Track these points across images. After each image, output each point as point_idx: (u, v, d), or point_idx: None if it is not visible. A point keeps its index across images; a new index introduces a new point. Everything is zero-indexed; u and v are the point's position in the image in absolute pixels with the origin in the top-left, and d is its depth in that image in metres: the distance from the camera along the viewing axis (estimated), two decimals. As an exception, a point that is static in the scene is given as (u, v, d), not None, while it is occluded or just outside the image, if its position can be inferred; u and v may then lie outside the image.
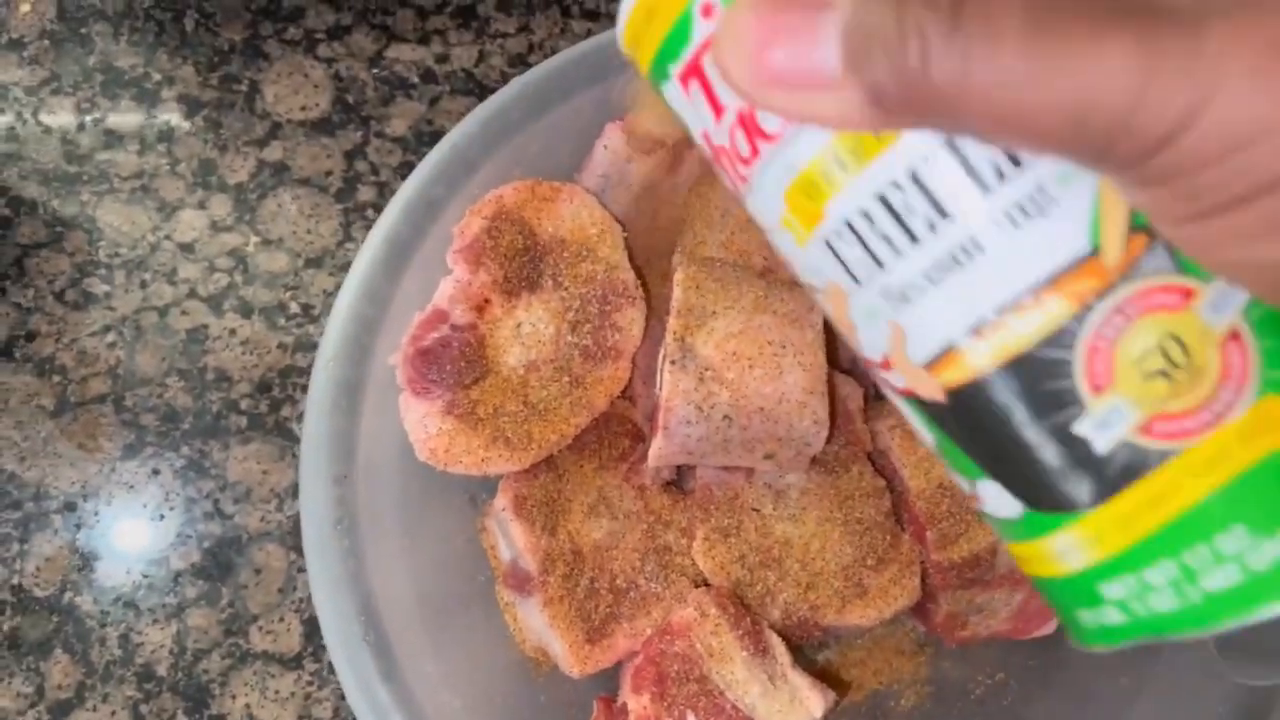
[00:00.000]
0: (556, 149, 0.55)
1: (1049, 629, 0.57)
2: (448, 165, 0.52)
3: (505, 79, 0.73)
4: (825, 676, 0.56)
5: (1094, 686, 0.56)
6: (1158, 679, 0.53)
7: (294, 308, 0.68)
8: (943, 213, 0.24)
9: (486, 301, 0.53)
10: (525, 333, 0.53)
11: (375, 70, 0.72)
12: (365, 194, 0.70)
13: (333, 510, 0.47)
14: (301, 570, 0.63)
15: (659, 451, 0.52)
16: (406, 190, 0.51)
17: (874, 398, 0.61)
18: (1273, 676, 0.47)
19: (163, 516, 0.63)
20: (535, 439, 0.52)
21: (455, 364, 0.52)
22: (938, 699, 0.60)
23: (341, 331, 0.49)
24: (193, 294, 0.67)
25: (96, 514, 0.63)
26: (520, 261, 0.53)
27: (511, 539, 0.53)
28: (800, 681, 0.50)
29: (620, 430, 0.56)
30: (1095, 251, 0.24)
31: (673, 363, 0.51)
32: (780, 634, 0.52)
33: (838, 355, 0.58)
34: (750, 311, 0.51)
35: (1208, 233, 0.22)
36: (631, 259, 0.55)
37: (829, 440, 0.56)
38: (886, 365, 0.28)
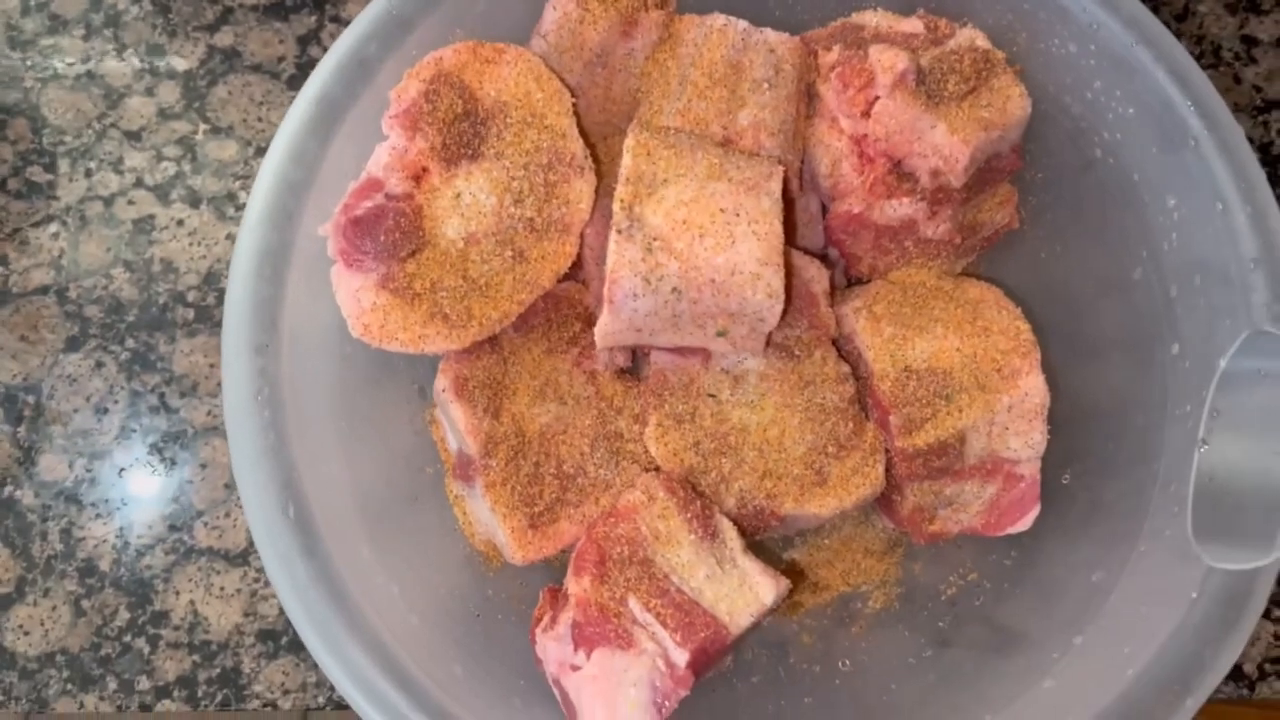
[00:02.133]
0: (502, 8, 0.52)
1: (1024, 525, 0.54)
2: (382, 23, 0.49)
3: (466, -40, 0.69)
4: (790, 576, 0.53)
5: (1067, 583, 0.53)
6: (1131, 572, 0.50)
7: (243, 197, 0.65)
8: None
9: (424, 170, 0.50)
10: (465, 203, 0.50)
11: (330, -48, 0.69)
12: (318, 80, 0.67)
13: (252, 380, 0.45)
14: (249, 465, 0.61)
15: (605, 328, 0.49)
16: (338, 49, 0.48)
17: (846, 283, 0.58)
18: (1251, 559, 0.44)
19: (107, 410, 0.61)
20: (476, 316, 0.49)
21: (390, 235, 0.49)
22: (907, 600, 0.57)
23: (266, 195, 0.47)
24: (139, 183, 0.65)
25: (38, 407, 0.61)
26: (460, 128, 0.50)
27: (452, 421, 0.50)
28: (751, 567, 0.47)
29: (570, 313, 0.54)
30: None
31: (619, 232, 0.47)
32: (736, 523, 0.50)
33: (794, 234, 0.55)
34: (704, 179, 0.48)
35: None
36: (582, 132, 0.52)
37: (791, 324, 0.53)
38: None
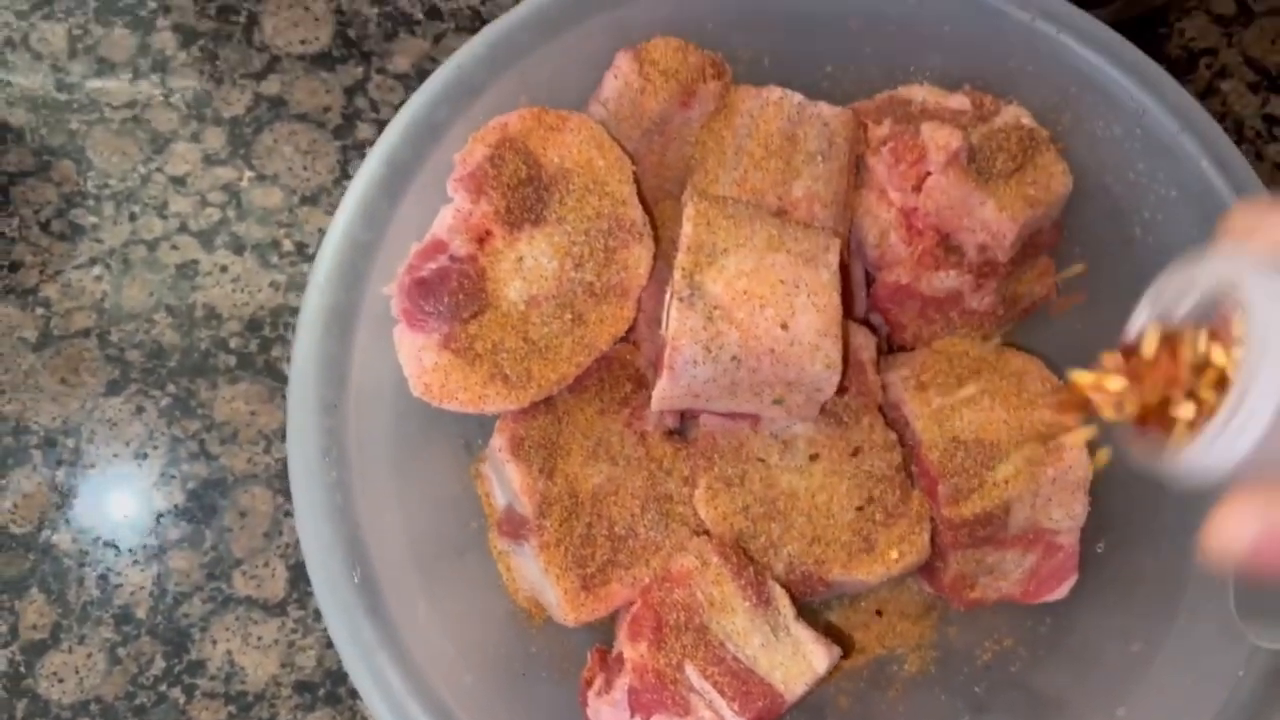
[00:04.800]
0: (565, 77, 0.53)
1: (1061, 593, 0.55)
2: (452, 87, 0.50)
3: (512, 18, 0.70)
4: (829, 637, 0.54)
5: (1105, 653, 0.54)
6: (1171, 645, 0.51)
7: (287, 245, 0.65)
8: None
9: (488, 233, 0.51)
10: (527, 267, 0.51)
11: (378, 5, 0.70)
12: (364, 131, 0.68)
13: (321, 439, 0.45)
14: (288, 514, 0.61)
15: (663, 393, 0.50)
16: (409, 110, 0.49)
17: (887, 349, 0.59)
18: (1297, 639, 0.45)
19: (146, 455, 0.61)
20: (535, 377, 0.50)
21: (453, 296, 0.49)
22: (943, 664, 0.58)
23: (335, 254, 0.47)
24: (183, 228, 0.65)
25: (77, 451, 0.61)
26: (524, 192, 0.51)
27: (507, 480, 0.51)
28: (804, 634, 0.48)
29: (622, 374, 0.54)
30: None
31: (680, 300, 0.48)
32: (783, 588, 0.50)
33: (851, 304, 0.56)
34: (763, 250, 0.49)
35: None
36: (639, 196, 0.53)
37: (840, 390, 0.54)
38: None
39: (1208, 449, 0.28)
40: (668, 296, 0.51)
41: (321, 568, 0.44)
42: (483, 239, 0.50)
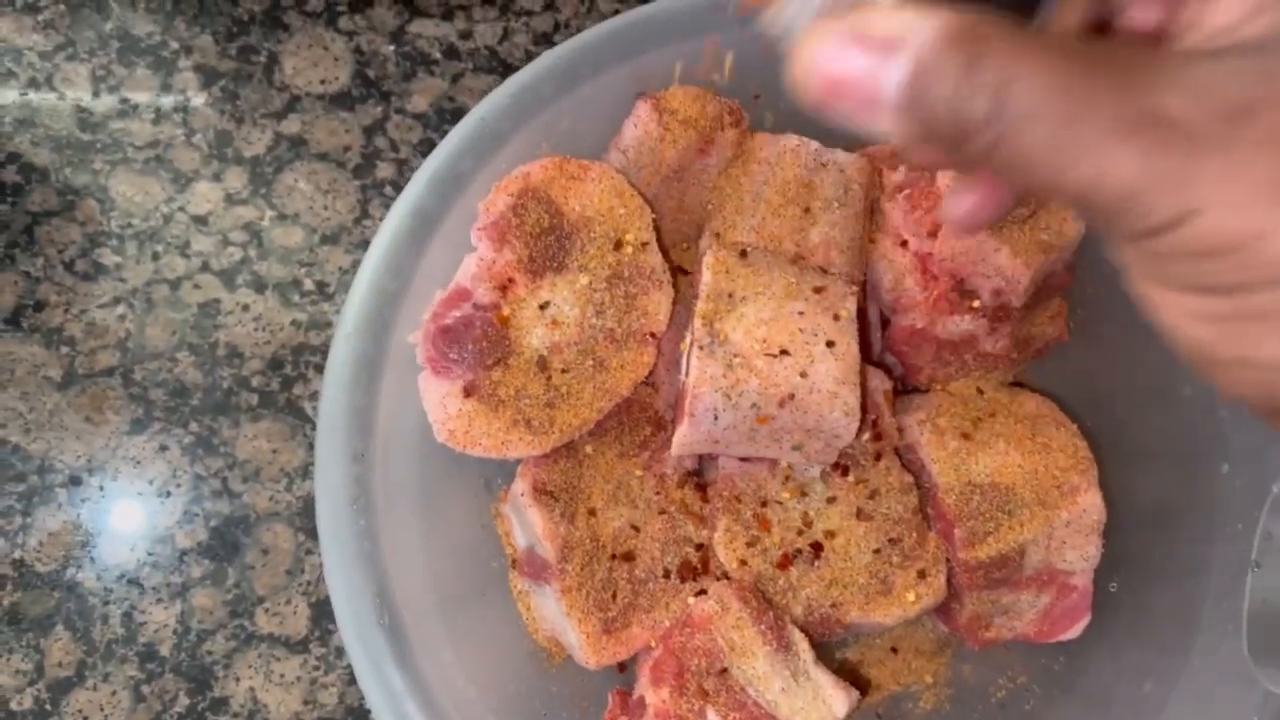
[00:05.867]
0: (586, 126, 0.54)
1: (1074, 633, 0.56)
2: (476, 138, 0.51)
3: (530, 57, 0.71)
4: (844, 676, 0.54)
5: (1118, 693, 0.55)
6: (1185, 686, 0.52)
7: (308, 284, 0.66)
8: None
9: (510, 281, 0.51)
10: (549, 314, 0.52)
11: (397, 45, 0.71)
12: (384, 170, 0.68)
13: (350, 488, 0.46)
14: (310, 552, 0.62)
15: (683, 439, 0.50)
16: (434, 161, 0.50)
17: (902, 390, 0.60)
18: (1312, 687, 0.46)
19: (169, 493, 0.62)
20: (557, 423, 0.51)
21: (477, 344, 0.50)
22: (957, 702, 0.59)
23: (363, 305, 0.48)
24: (205, 267, 0.66)
25: (102, 489, 0.62)
26: (546, 241, 0.51)
27: (529, 525, 0.52)
28: (823, 679, 0.49)
29: (642, 417, 0.55)
30: None
31: (700, 348, 0.49)
32: (802, 630, 0.51)
33: (867, 347, 0.57)
34: (781, 298, 0.50)
35: (1214, 331, 0.26)
36: (659, 242, 0.54)
37: (857, 434, 0.54)
38: None
39: None
40: (687, 341, 0.52)
41: (350, 615, 0.44)
42: (506, 287, 0.51)
